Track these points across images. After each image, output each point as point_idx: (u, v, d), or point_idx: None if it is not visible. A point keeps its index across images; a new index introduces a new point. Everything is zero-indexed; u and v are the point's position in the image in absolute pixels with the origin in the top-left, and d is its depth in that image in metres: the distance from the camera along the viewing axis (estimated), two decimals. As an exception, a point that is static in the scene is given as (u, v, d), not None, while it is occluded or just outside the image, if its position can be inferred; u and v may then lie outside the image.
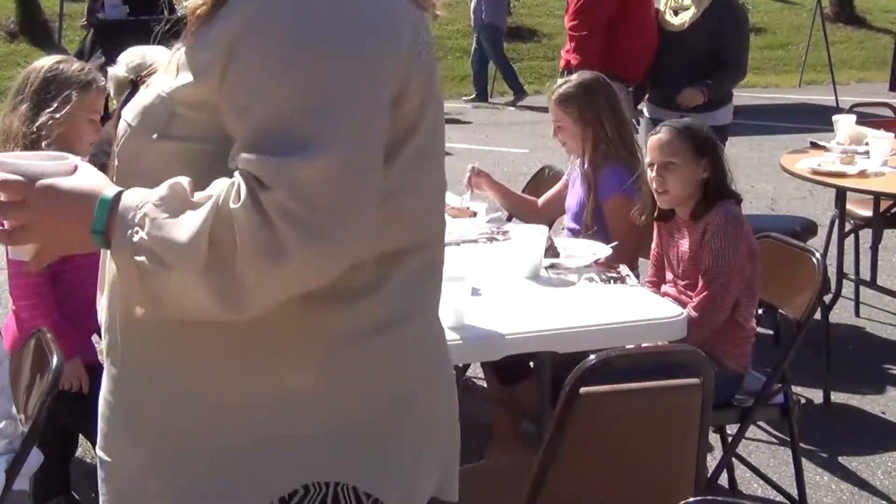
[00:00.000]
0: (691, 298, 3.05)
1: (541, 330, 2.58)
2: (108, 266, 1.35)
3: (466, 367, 3.85)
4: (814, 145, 4.98)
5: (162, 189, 1.20)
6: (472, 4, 12.28)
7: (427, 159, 1.35)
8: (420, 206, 1.36)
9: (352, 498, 1.33)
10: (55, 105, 2.86)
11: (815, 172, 4.40)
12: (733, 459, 3.35)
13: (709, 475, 2.94)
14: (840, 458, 3.60)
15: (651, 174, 3.14)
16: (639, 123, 5.20)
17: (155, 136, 1.28)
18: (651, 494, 2.22)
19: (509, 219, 3.89)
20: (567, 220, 3.67)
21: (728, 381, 2.97)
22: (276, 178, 1.15)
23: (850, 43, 15.57)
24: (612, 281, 2.96)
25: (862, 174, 4.33)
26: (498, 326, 2.55)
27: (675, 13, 5.04)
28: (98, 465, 1.44)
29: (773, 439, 3.71)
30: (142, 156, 1.31)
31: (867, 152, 4.58)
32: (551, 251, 3.08)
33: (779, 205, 7.28)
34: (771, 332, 4.43)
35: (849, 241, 4.90)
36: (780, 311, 3.55)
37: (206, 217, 1.16)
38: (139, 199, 1.21)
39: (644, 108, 5.25)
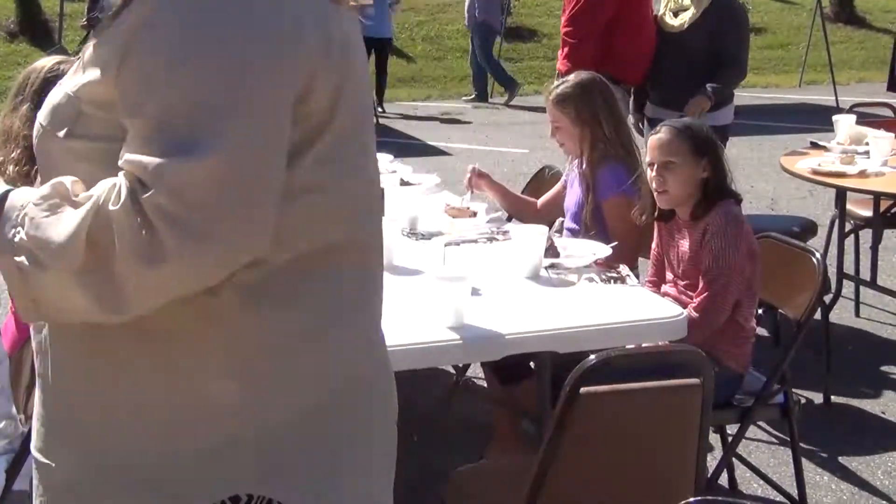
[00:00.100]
0: (691, 299, 3.05)
1: (541, 330, 2.58)
2: None
3: (466, 367, 3.86)
4: (814, 145, 4.98)
5: (45, 188, 1.18)
6: (466, 3, 12.27)
7: (342, 160, 1.30)
8: (338, 208, 1.30)
9: None
10: None
11: (815, 172, 4.40)
12: (733, 459, 3.35)
13: (709, 475, 2.94)
14: (840, 458, 3.61)
15: (651, 174, 3.14)
16: (642, 126, 5.19)
17: (62, 134, 1.26)
18: (651, 494, 2.22)
19: (509, 219, 3.89)
20: (566, 221, 3.67)
21: (728, 381, 2.97)
22: (157, 180, 1.12)
23: (850, 43, 15.59)
24: (612, 281, 2.96)
25: (862, 174, 4.33)
26: (498, 326, 2.54)
27: (675, 14, 5.02)
28: (34, 465, 1.40)
29: (773, 439, 3.71)
30: (53, 155, 1.28)
31: (867, 152, 4.58)
32: (551, 251, 3.07)
33: (779, 205, 7.28)
34: (770, 332, 4.43)
35: (849, 241, 4.90)
36: (780, 311, 3.54)
37: (83, 217, 1.14)
38: (24, 199, 1.19)
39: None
